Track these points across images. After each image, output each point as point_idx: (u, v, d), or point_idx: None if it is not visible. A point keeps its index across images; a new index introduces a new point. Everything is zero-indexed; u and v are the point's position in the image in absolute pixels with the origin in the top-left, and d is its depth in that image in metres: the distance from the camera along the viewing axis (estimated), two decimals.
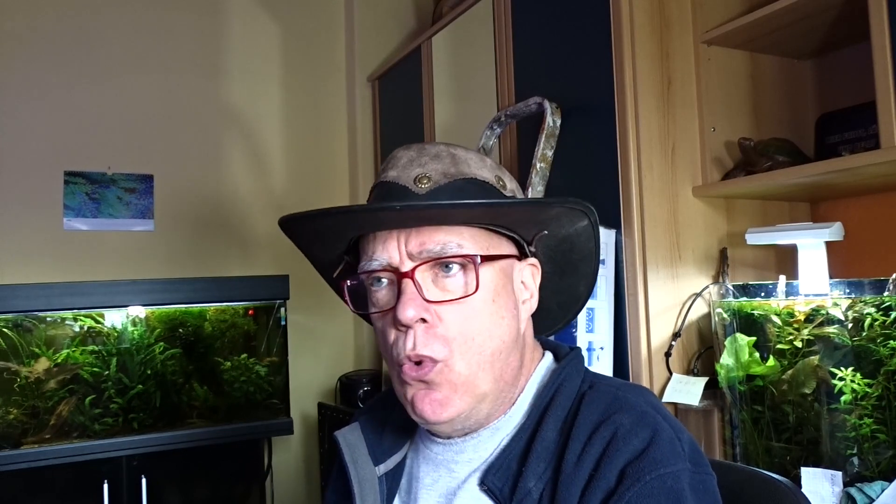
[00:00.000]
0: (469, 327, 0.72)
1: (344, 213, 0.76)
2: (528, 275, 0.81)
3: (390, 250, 0.74)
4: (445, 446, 0.80)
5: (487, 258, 0.74)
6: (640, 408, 0.72)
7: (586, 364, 1.43)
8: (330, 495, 0.91)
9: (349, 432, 0.86)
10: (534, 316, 0.84)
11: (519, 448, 0.75)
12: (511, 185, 0.81)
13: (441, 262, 0.73)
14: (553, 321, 0.92)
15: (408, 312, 0.71)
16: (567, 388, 0.77)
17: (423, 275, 0.73)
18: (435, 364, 0.72)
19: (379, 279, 0.76)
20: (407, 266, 0.73)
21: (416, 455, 0.84)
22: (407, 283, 0.72)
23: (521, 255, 0.80)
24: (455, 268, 0.73)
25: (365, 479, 0.81)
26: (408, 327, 0.72)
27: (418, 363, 0.72)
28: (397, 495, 0.83)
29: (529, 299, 0.80)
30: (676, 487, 0.65)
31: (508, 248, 0.78)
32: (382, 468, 0.83)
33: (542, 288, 0.83)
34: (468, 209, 0.72)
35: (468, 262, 0.73)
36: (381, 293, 0.76)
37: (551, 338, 0.92)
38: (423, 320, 0.72)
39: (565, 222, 0.80)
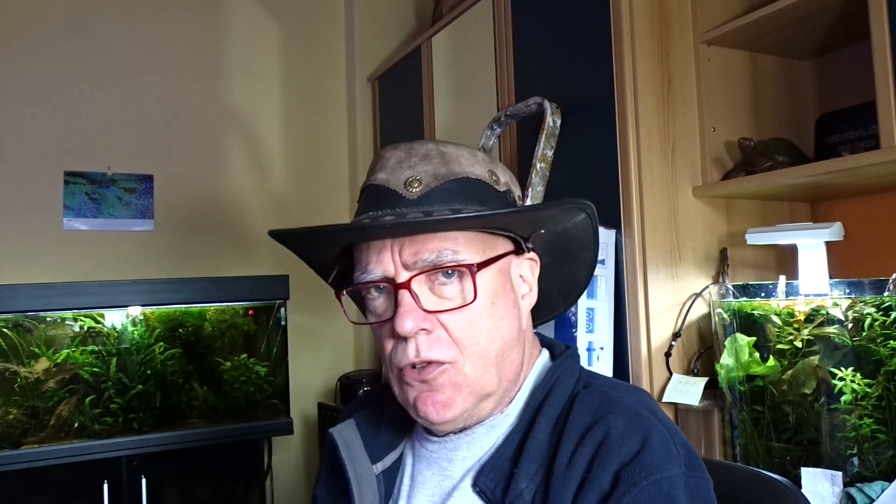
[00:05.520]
0: (472, 331, 0.72)
1: (334, 231, 0.76)
2: (527, 269, 0.80)
3: (384, 262, 0.73)
4: (440, 444, 0.79)
5: (484, 263, 0.73)
6: (634, 409, 0.71)
7: (586, 364, 1.43)
8: (321, 492, 0.90)
9: (345, 429, 0.85)
10: (535, 303, 0.84)
11: (511, 448, 0.74)
12: (504, 178, 0.80)
13: (437, 271, 0.72)
14: (554, 307, 0.92)
15: (406, 325, 0.70)
16: (560, 387, 0.77)
17: (420, 284, 0.72)
18: (440, 366, 0.72)
19: (377, 287, 0.75)
20: (403, 277, 0.72)
21: (412, 452, 0.84)
22: (403, 294, 0.71)
23: (518, 250, 0.79)
24: (452, 275, 0.72)
25: (363, 477, 0.80)
26: (408, 338, 0.72)
27: (422, 367, 0.72)
28: (394, 493, 0.83)
29: (529, 293, 0.80)
30: (673, 493, 0.65)
31: (505, 246, 0.77)
32: (380, 466, 0.82)
33: (541, 277, 0.83)
34: (462, 219, 0.71)
35: (465, 270, 0.72)
36: (378, 302, 0.76)
37: (548, 333, 0.92)
38: (424, 329, 0.72)
39: (562, 219, 0.80)
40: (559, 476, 0.68)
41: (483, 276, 0.73)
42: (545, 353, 0.84)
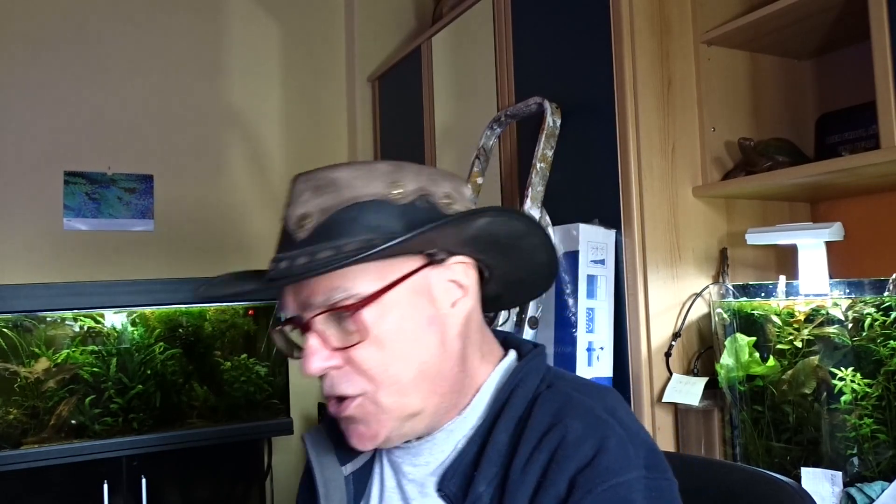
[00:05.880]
0: (382, 360, 0.71)
1: (235, 292, 0.79)
2: (460, 272, 0.76)
3: (289, 304, 0.74)
4: (404, 450, 0.79)
5: (377, 294, 0.70)
6: (594, 412, 0.70)
7: (586, 364, 1.43)
8: (302, 493, 0.91)
9: (316, 433, 0.86)
10: (511, 287, 0.83)
11: (473, 451, 0.74)
12: (415, 184, 0.73)
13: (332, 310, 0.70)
14: (531, 287, 0.88)
15: (310, 367, 0.71)
16: (523, 387, 0.75)
17: (327, 322, 0.71)
18: (353, 400, 0.72)
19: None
20: (305, 317, 0.72)
21: (380, 456, 0.84)
22: (309, 335, 0.71)
23: (435, 261, 0.74)
24: (348, 311, 0.70)
25: (331, 479, 0.81)
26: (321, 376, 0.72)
27: (342, 399, 0.73)
28: (364, 495, 0.83)
29: (463, 297, 0.76)
30: (629, 497, 0.64)
31: (413, 263, 0.73)
32: (349, 467, 0.83)
33: (495, 266, 0.80)
34: (335, 263, 0.67)
35: (350, 309, 0.70)
36: (302, 339, 0.76)
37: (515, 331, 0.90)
38: (333, 367, 0.71)
39: (460, 231, 0.72)
40: (515, 479, 0.68)
41: (386, 303, 0.70)
42: (511, 354, 0.82)
